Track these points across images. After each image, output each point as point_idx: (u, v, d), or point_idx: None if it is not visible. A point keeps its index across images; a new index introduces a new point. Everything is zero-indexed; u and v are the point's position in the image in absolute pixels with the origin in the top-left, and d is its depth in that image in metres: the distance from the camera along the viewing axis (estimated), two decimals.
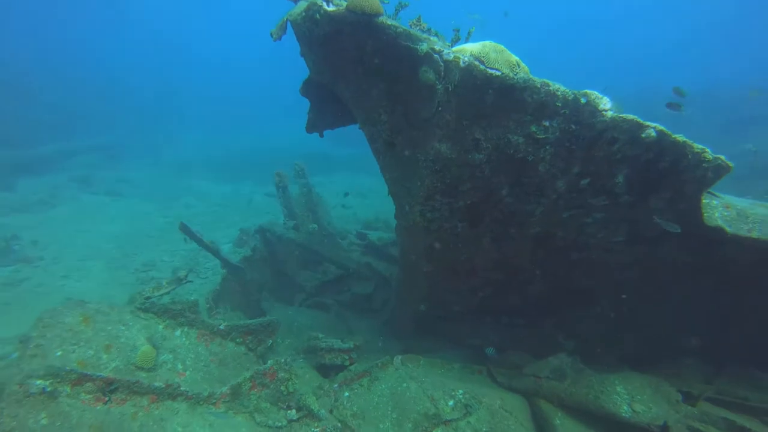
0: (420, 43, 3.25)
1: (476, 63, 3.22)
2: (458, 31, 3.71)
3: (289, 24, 3.63)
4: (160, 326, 4.91)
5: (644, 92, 20.75)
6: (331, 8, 3.31)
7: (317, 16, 3.34)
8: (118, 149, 20.73)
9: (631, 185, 3.68)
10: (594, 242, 4.50)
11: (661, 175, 3.51)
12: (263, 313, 6.67)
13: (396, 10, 4.02)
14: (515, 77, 3.22)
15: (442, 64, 3.24)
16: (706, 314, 5.05)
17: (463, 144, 3.62)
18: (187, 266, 9.20)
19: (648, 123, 3.23)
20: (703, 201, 3.49)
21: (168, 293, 5.16)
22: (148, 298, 4.84)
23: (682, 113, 4.83)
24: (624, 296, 5.20)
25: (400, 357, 5.52)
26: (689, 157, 3.30)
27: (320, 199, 10.05)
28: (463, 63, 3.22)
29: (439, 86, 3.33)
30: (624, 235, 4.34)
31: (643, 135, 3.25)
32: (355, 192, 16.19)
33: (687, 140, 3.25)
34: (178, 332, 5.03)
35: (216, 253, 6.62)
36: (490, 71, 3.21)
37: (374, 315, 7.57)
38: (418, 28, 3.76)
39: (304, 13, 3.41)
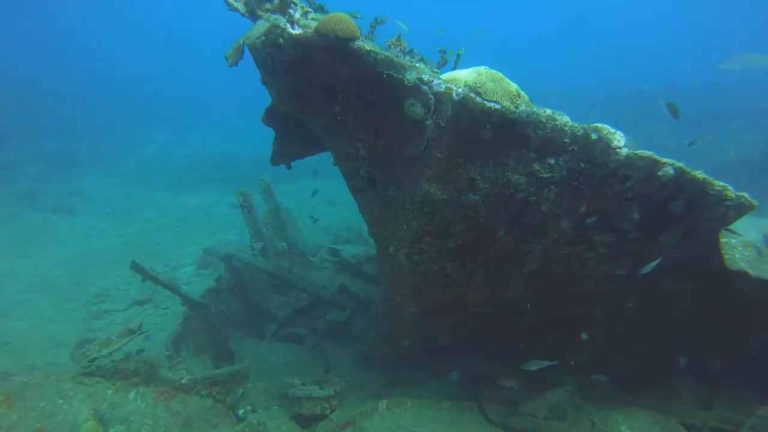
0: (406, 72, 2.74)
1: (472, 95, 2.74)
2: (445, 53, 3.21)
3: (246, 47, 3.04)
4: (110, 391, 4.23)
5: (609, 85, 21.02)
6: (296, 31, 2.75)
7: (280, 40, 2.77)
8: (68, 158, 19.15)
9: (641, 223, 3.32)
10: (593, 275, 4.15)
11: (676, 212, 3.15)
12: (232, 353, 6.05)
13: (371, 26, 3.49)
14: (517, 111, 2.76)
15: (432, 96, 2.75)
16: (703, 336, 4.83)
17: (456, 184, 3.14)
18: (145, 295, 8.41)
19: (665, 160, 2.85)
20: (722, 240, 3.15)
21: (119, 350, 4.49)
22: (93, 360, 4.16)
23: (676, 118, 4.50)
24: (619, 322, 4.92)
25: (385, 402, 5.05)
26: (709, 194, 2.95)
27: (289, 215, 9.45)
28: (457, 95, 2.74)
29: (429, 122, 2.83)
30: (627, 269, 3.99)
31: (660, 173, 2.86)
32: (324, 199, 15.56)
33: (707, 177, 2.89)
34: (132, 395, 4.37)
35: (175, 290, 5.94)
36: (488, 104, 2.74)
37: (353, 342, 7.07)
38: (398, 48, 3.24)
39: (264, 38, 2.83)
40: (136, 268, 5.36)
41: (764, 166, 13.89)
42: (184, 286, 9.47)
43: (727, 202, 2.92)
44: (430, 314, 4.82)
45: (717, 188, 2.89)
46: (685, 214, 3.12)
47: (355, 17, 3.40)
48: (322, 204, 15.37)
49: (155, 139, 24.52)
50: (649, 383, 5.57)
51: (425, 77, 2.74)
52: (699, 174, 2.88)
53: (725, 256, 3.09)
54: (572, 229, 3.44)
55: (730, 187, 2.88)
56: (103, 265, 9.97)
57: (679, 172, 2.87)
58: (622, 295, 4.44)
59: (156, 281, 5.65)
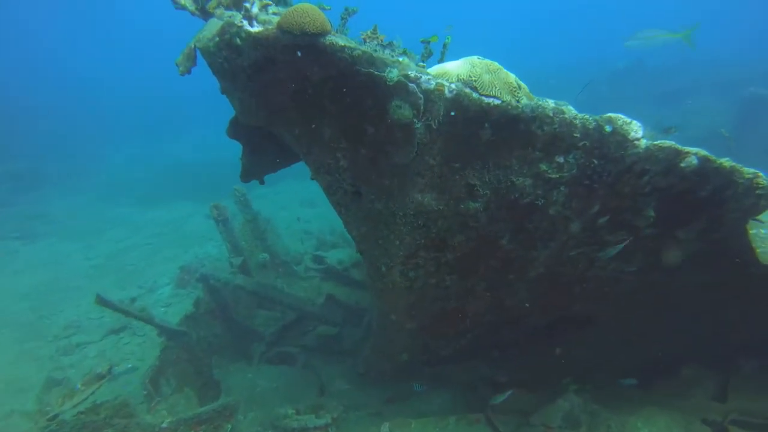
0: (388, 69, 2.33)
1: (467, 91, 2.35)
2: (429, 43, 2.81)
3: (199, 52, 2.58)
4: None
5: (586, 64, 20.93)
6: (255, 29, 2.30)
7: (237, 41, 2.32)
8: (27, 178, 18.12)
9: (657, 218, 3.00)
10: (602, 274, 3.84)
11: (698, 205, 2.83)
12: (217, 383, 5.58)
13: (342, 18, 3.06)
14: (520, 105, 2.38)
15: (420, 95, 2.35)
16: (715, 324, 4.61)
17: (453, 192, 2.76)
18: (121, 323, 7.82)
19: (688, 149, 2.52)
20: (751, 232, 2.85)
21: (86, 400, 3.99)
22: (53, 417, 3.65)
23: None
24: (627, 317, 4.66)
25: (387, 425, 4.69)
26: (737, 184, 2.63)
27: (269, 224, 8.95)
28: (450, 92, 2.34)
29: (419, 125, 2.43)
30: (638, 265, 3.69)
31: (682, 164, 2.53)
32: (305, 201, 15.03)
33: (735, 165, 2.58)
34: None
35: (149, 320, 5.42)
36: (486, 100, 2.36)
37: (346, 356, 6.68)
38: (375, 42, 2.81)
39: (217, 39, 2.38)
40: (102, 302, 4.84)
41: (742, 131, 13.91)
42: (162, 309, 8.95)
43: (758, 191, 2.62)
44: (428, 328, 4.47)
45: (747, 176, 2.58)
46: (708, 206, 2.81)
47: (323, 9, 2.96)
48: (302, 206, 14.84)
49: (123, 151, 23.44)
50: (657, 375, 5.37)
51: (411, 73, 2.34)
52: (726, 162, 2.57)
53: (758, 250, 2.79)
54: (583, 230, 3.10)
55: (761, 174, 2.57)
56: (71, 293, 9.28)
57: (704, 161, 2.55)
58: (631, 291, 4.16)
59: (126, 314, 5.14)
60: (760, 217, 2.93)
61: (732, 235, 3.01)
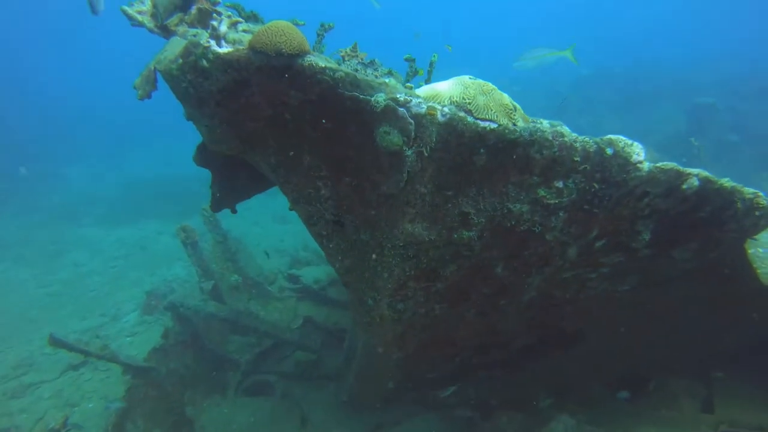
0: (374, 93, 2.11)
1: (461, 114, 2.16)
2: (414, 61, 2.61)
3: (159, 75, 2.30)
4: None
5: (547, 73, 21.34)
6: (224, 50, 2.05)
7: (204, 63, 2.06)
8: None
9: (653, 238, 2.89)
10: (595, 294, 3.73)
11: (696, 225, 2.74)
12: (190, 421, 5.18)
13: (318, 34, 2.84)
14: (517, 129, 2.21)
15: (411, 121, 2.14)
16: (702, 335, 4.60)
17: (445, 221, 2.56)
18: (80, 357, 7.24)
19: (689, 170, 2.40)
20: (749, 251, 2.78)
21: None
22: None
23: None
24: (615, 332, 4.59)
25: None
26: (737, 204, 2.54)
27: (240, 244, 8.58)
28: (443, 116, 2.15)
29: (409, 152, 2.22)
30: (632, 284, 3.60)
31: (684, 186, 2.42)
32: (276, 216, 14.61)
33: (736, 185, 2.48)
34: None
35: (113, 358, 4.98)
36: (482, 124, 2.17)
37: (327, 381, 6.38)
38: (355, 60, 2.60)
39: (181, 61, 2.10)
40: (56, 342, 4.39)
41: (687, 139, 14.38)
42: (127, 339, 8.38)
43: (757, 212, 2.53)
44: (415, 355, 4.25)
45: (747, 196, 2.49)
46: (706, 226, 2.72)
47: (297, 24, 2.72)
48: (274, 222, 14.41)
49: (82, 168, 22.29)
50: (643, 387, 5.34)
51: (400, 97, 2.13)
52: (726, 182, 2.47)
53: (759, 271, 2.71)
54: (579, 254, 2.96)
55: (761, 195, 2.48)
56: (23, 325, 8.59)
57: (705, 182, 2.45)
58: (622, 307, 4.08)
59: (86, 353, 4.69)
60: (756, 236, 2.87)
61: (729, 254, 2.94)
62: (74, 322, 8.92)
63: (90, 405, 6.18)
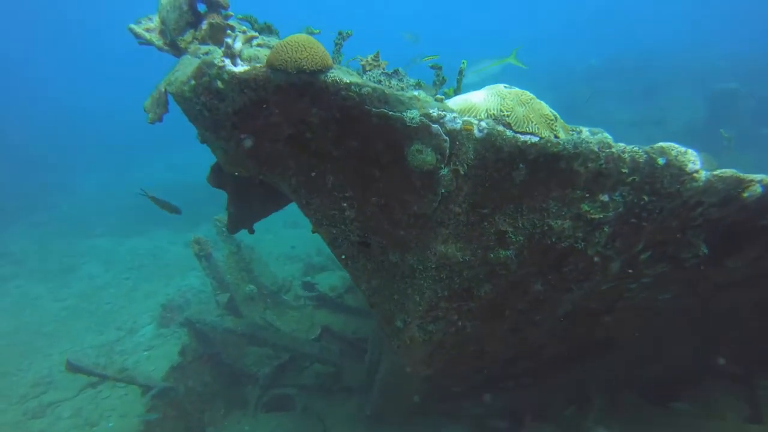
0: (406, 109, 1.93)
1: (500, 129, 1.97)
2: (441, 69, 2.42)
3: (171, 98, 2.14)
4: None
5: (556, 65, 20.94)
6: (240, 68, 1.88)
7: (218, 84, 1.89)
8: None
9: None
10: (633, 303, 3.52)
11: (754, 233, 2.53)
12: None
13: (336, 44, 2.66)
14: (561, 142, 2.02)
15: (445, 138, 1.96)
16: (751, 336, 4.38)
17: (481, 241, 2.38)
18: None
19: (752, 177, 2.19)
20: None
21: None
22: None
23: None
24: (651, 338, 4.40)
25: None
26: None
27: (253, 253, 8.44)
28: (480, 131, 1.96)
29: (444, 171, 2.04)
30: (674, 292, 3.39)
31: (745, 194, 2.21)
32: (288, 222, 14.47)
33: None
34: None
35: (131, 380, 4.88)
36: (522, 138, 1.99)
37: (349, 394, 6.24)
38: (378, 70, 2.42)
39: (193, 81, 1.94)
40: (74, 367, 4.29)
41: (708, 128, 14.00)
42: (144, 353, 8.31)
43: None
44: (443, 371, 4.09)
45: None
46: (765, 234, 2.51)
47: (312, 33, 2.55)
48: (285, 228, 14.29)
49: (91, 179, 22.35)
50: (680, 390, 5.11)
51: (433, 112, 1.95)
52: None
53: None
54: (622, 268, 2.76)
55: None
56: (40, 341, 8.55)
57: None
58: (661, 314, 3.88)
59: (103, 377, 4.58)
60: None
61: None
62: (91, 336, 8.86)
63: (110, 424, 6.10)
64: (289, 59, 1.81)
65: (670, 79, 17.11)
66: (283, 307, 7.90)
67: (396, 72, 2.43)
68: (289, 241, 12.73)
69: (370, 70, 2.44)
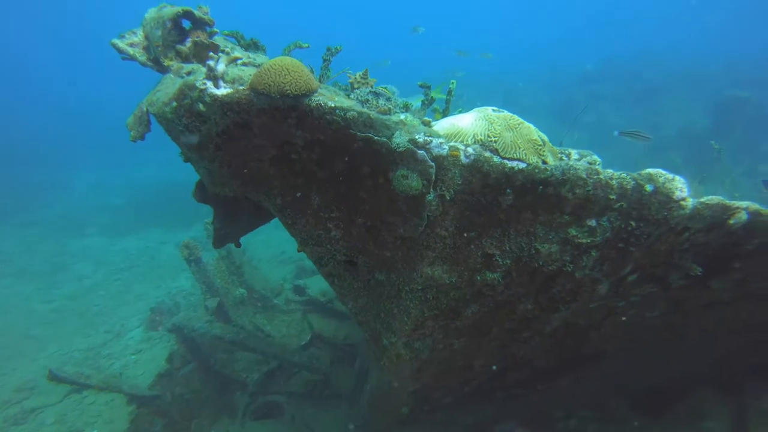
0: (392, 134, 1.90)
1: (487, 155, 1.95)
2: (429, 88, 2.39)
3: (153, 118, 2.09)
4: None
5: (553, 69, 20.97)
6: (222, 91, 1.84)
7: (200, 107, 1.85)
8: None
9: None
10: (620, 320, 3.53)
11: (739, 257, 2.52)
12: None
13: (324, 60, 2.62)
14: (548, 168, 2.00)
15: (431, 164, 1.93)
16: (738, 347, 4.40)
17: (467, 264, 2.35)
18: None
19: (738, 204, 2.18)
20: None
21: None
22: None
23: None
24: (639, 350, 4.41)
25: None
26: None
27: (244, 256, 8.38)
28: (467, 157, 1.94)
29: (430, 196, 2.01)
30: (662, 310, 3.39)
31: (731, 221, 2.20)
32: (278, 224, 14.34)
33: None
34: None
35: (117, 389, 4.82)
36: (509, 164, 1.96)
37: (338, 401, 6.21)
38: (367, 89, 2.39)
39: (175, 103, 1.90)
40: (56, 377, 4.22)
41: (717, 133, 13.91)
42: (132, 357, 8.22)
43: None
44: (432, 384, 4.08)
45: None
46: (751, 258, 2.50)
47: (301, 48, 2.52)
48: (276, 229, 14.21)
49: (83, 177, 22.12)
50: (669, 401, 5.14)
51: (419, 138, 1.92)
52: None
53: None
54: (609, 290, 2.76)
55: None
56: (26, 344, 8.43)
57: (754, 215, 2.22)
58: (648, 329, 3.89)
59: (86, 386, 4.52)
60: None
61: None
62: (79, 339, 8.76)
63: (94, 431, 6.02)
64: (272, 83, 1.78)
65: (665, 82, 17.10)
66: (273, 311, 7.85)
67: (384, 91, 2.39)
68: (280, 243, 12.66)
69: (358, 88, 2.40)
